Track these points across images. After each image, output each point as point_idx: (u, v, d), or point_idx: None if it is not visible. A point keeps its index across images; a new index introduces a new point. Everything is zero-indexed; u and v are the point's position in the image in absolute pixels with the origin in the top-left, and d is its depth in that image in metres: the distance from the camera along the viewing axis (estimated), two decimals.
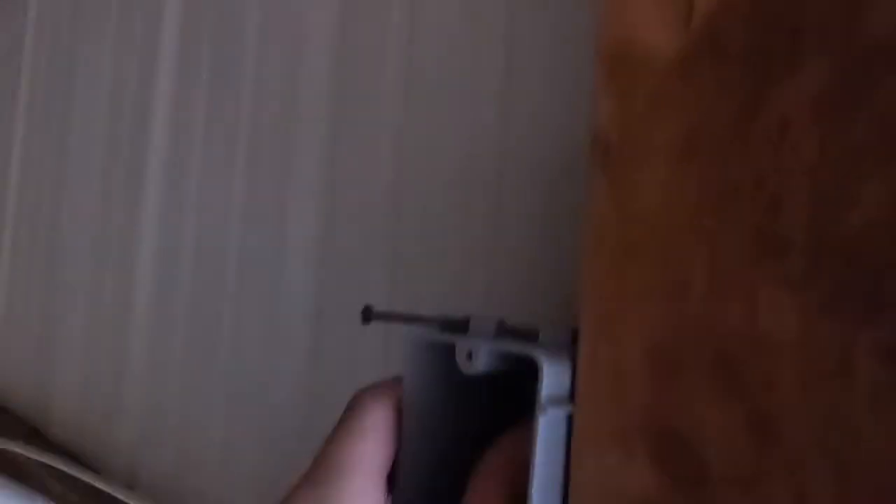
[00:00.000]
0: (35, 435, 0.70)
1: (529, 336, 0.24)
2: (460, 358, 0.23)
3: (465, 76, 0.37)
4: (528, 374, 0.21)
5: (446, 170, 0.37)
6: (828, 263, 0.16)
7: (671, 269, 0.19)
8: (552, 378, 0.21)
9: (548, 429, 0.21)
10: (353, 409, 0.25)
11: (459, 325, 0.26)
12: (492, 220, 0.35)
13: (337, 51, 0.44)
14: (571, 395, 0.21)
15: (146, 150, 0.63)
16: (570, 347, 0.22)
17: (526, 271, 0.33)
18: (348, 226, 0.42)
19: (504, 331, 0.25)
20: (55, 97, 0.81)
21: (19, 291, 0.84)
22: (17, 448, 0.61)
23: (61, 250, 0.76)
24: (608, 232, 0.20)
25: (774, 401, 0.17)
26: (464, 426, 0.26)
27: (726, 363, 0.18)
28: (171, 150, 0.60)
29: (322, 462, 0.24)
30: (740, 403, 0.17)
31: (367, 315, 0.30)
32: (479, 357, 0.23)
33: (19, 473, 0.63)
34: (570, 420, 0.21)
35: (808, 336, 0.16)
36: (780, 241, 0.17)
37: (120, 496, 0.52)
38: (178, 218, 0.58)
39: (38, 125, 0.84)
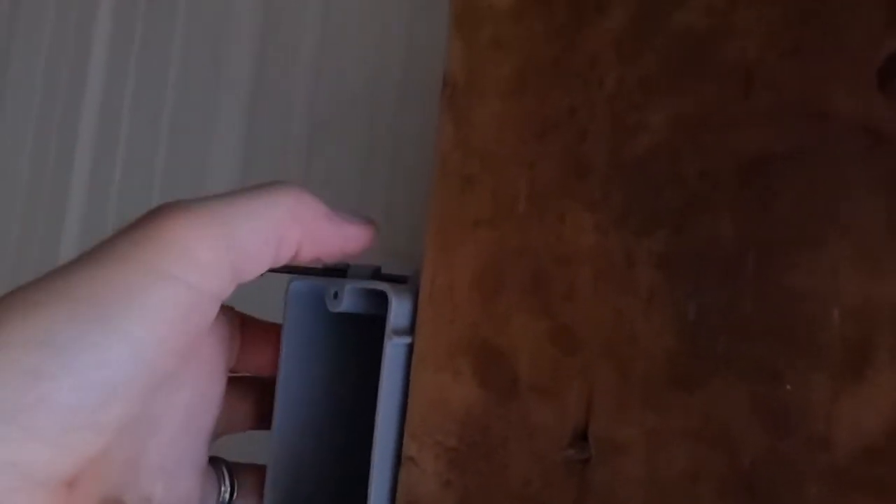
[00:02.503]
0: None
1: (400, 280, 0.25)
2: (328, 298, 0.24)
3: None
4: None
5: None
6: (620, 184, 0.18)
7: (499, 198, 0.20)
8: (398, 310, 0.22)
9: (392, 356, 0.22)
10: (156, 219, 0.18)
11: (339, 272, 0.27)
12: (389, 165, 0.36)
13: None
14: (413, 329, 0.23)
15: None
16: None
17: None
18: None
19: (378, 276, 0.26)
20: None
21: None
22: None
23: None
24: (450, 166, 0.22)
25: (574, 311, 0.18)
26: (344, 373, 0.27)
27: (538, 280, 0.19)
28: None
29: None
30: (547, 317, 0.19)
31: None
32: (342, 295, 0.24)
33: None
34: (410, 349, 0.22)
35: (601, 250, 0.18)
36: (583, 166, 0.18)
37: None
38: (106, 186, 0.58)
39: None
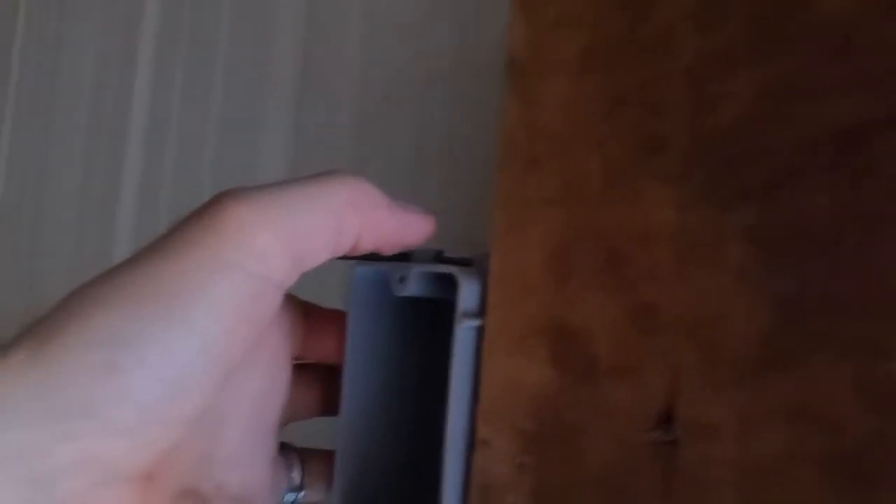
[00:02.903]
0: None
1: (463, 263, 0.25)
2: (393, 282, 0.24)
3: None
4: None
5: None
6: (701, 158, 0.17)
7: (568, 178, 0.20)
8: (467, 292, 0.22)
9: (462, 339, 0.22)
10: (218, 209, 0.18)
11: (403, 258, 0.27)
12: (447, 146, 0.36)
13: None
14: (483, 311, 0.22)
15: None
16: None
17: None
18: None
19: (441, 259, 0.26)
20: (42, 74, 0.81)
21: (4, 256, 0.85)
22: None
23: (45, 220, 0.77)
24: (516, 147, 0.21)
25: (655, 290, 0.18)
26: (409, 357, 0.27)
27: (614, 259, 0.19)
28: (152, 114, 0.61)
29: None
30: (625, 296, 0.18)
31: None
32: (409, 279, 0.24)
33: None
34: (481, 331, 0.22)
35: (683, 227, 0.17)
36: (658, 141, 0.18)
37: None
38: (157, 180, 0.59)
39: (26, 101, 0.84)
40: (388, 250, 0.23)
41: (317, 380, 0.27)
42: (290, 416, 0.26)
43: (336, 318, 0.26)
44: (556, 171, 0.20)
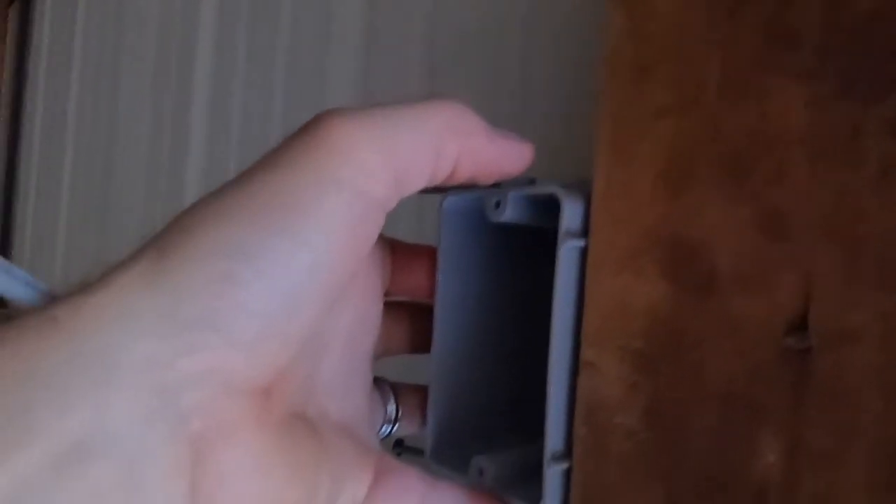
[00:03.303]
0: None
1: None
2: (489, 208, 0.23)
3: None
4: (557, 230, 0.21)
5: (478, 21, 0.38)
6: (837, 51, 0.16)
7: (683, 84, 0.19)
8: (570, 212, 0.21)
9: (566, 260, 0.21)
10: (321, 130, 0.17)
11: (494, 185, 0.26)
12: (521, 73, 0.35)
13: None
14: (586, 231, 0.22)
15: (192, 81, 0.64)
16: (588, 188, 0.22)
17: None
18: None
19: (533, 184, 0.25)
20: (107, 38, 0.83)
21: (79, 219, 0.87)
22: None
23: (116, 178, 0.79)
24: (623, 58, 0.20)
25: (784, 195, 0.17)
26: (502, 288, 0.27)
27: (737, 164, 0.18)
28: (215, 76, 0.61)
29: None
30: (751, 202, 0.18)
31: None
32: (505, 204, 0.23)
33: None
34: (585, 252, 0.22)
35: (818, 124, 0.16)
36: (791, 35, 0.17)
37: None
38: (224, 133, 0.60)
39: (92, 64, 0.86)
40: (485, 179, 0.22)
41: (407, 316, 0.27)
42: (382, 351, 0.26)
43: (424, 253, 0.26)
44: (669, 78, 0.19)
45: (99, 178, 0.80)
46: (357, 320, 0.22)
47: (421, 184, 0.20)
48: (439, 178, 0.20)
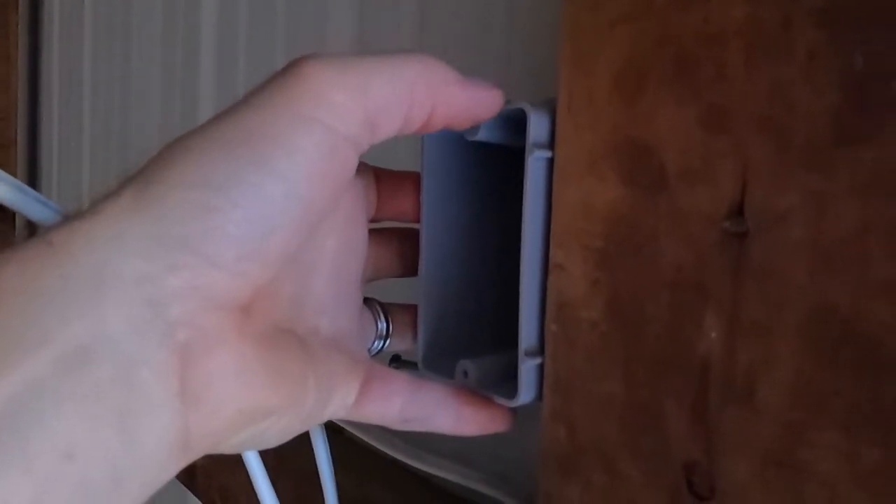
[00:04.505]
0: None
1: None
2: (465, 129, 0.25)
3: None
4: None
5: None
6: None
7: None
8: (536, 125, 0.23)
9: (534, 170, 0.23)
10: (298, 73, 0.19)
11: None
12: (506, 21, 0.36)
13: None
14: (553, 143, 0.23)
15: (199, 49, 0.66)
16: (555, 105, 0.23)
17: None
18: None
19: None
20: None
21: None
22: None
23: (132, 129, 0.81)
24: None
25: (724, 91, 0.18)
26: (483, 207, 0.28)
27: (684, 67, 0.19)
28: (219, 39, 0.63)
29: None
30: (695, 102, 0.19)
31: None
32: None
33: None
34: (552, 162, 0.23)
35: (753, 20, 0.17)
36: None
37: None
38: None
39: (104, 25, 0.88)
40: (460, 125, 0.23)
41: (395, 240, 0.28)
42: (372, 275, 0.27)
43: (407, 179, 0.27)
44: None
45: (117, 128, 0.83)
46: (343, 245, 0.24)
47: (394, 128, 0.21)
48: (415, 125, 0.21)
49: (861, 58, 0.15)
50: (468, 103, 0.22)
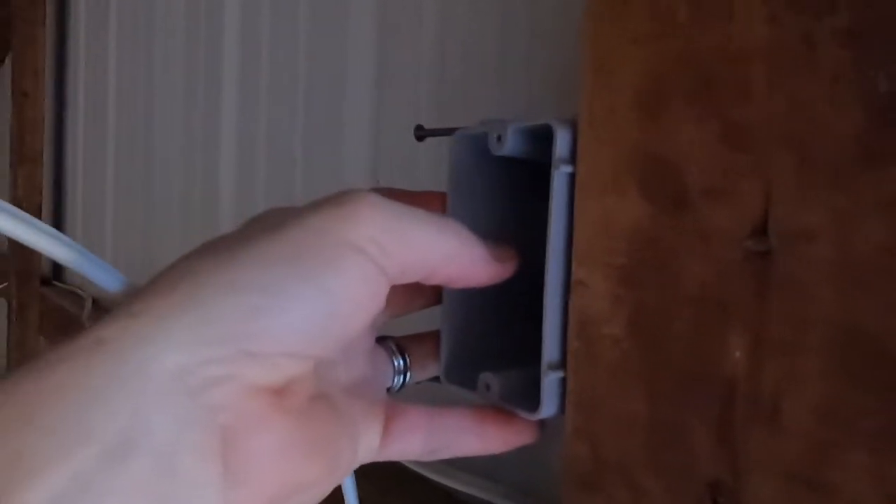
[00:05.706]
0: None
1: None
2: (491, 142, 0.25)
3: None
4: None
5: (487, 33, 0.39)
6: None
7: (657, 10, 0.20)
8: (561, 140, 0.23)
9: (558, 186, 0.23)
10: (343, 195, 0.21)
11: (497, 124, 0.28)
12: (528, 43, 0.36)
13: None
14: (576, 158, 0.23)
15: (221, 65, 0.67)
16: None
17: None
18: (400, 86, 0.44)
19: None
20: (139, 23, 0.85)
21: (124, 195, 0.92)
22: None
23: (154, 156, 0.82)
24: None
25: (745, 108, 0.18)
26: (507, 224, 0.29)
27: (706, 85, 0.19)
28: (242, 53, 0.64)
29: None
30: (716, 118, 0.19)
31: (420, 132, 0.32)
32: (506, 137, 0.24)
33: None
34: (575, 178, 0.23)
35: (776, 40, 0.17)
36: None
37: None
38: (252, 115, 0.62)
39: (128, 41, 0.89)
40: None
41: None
42: (386, 318, 0.28)
43: (434, 198, 0.27)
44: (644, 5, 0.20)
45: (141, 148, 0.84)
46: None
47: (415, 279, 0.22)
48: (430, 281, 0.23)
49: (886, 79, 0.15)
50: (481, 279, 0.24)
